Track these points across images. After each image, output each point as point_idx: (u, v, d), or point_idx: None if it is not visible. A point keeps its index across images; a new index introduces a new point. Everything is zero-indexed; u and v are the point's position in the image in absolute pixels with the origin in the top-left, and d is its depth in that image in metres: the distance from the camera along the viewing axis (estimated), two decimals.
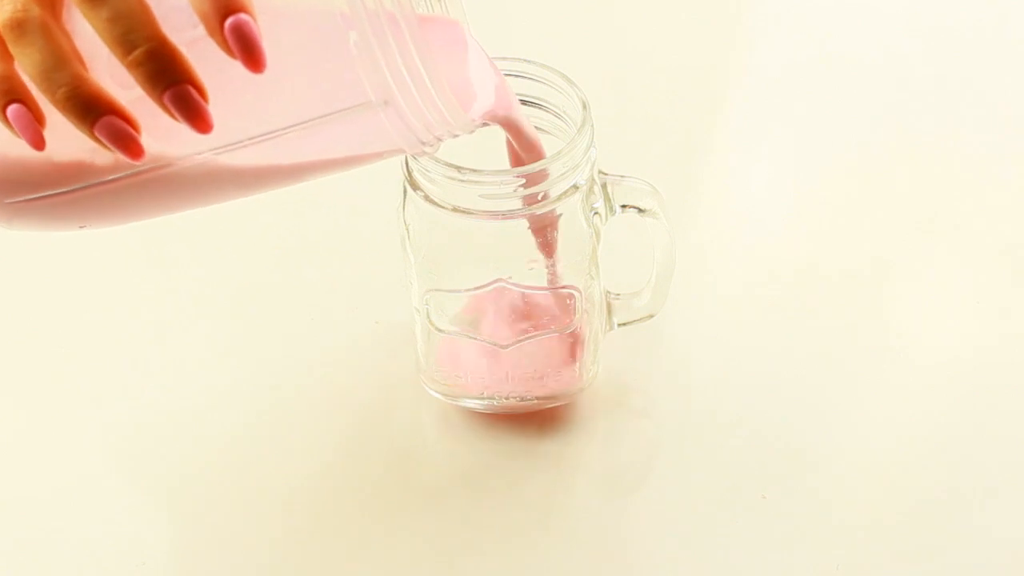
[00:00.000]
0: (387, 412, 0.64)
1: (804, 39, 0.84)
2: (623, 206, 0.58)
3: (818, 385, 0.64)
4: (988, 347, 0.66)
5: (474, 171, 0.54)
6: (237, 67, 0.45)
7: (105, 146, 0.45)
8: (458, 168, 0.54)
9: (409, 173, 0.56)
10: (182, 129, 0.45)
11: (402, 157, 0.55)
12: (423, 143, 0.49)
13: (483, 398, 0.62)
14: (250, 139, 0.48)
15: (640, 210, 0.58)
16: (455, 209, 0.55)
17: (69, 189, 0.49)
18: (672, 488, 0.61)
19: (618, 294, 0.63)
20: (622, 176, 0.58)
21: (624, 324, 0.63)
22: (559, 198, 0.55)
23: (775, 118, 0.78)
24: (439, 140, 0.50)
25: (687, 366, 0.65)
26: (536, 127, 0.58)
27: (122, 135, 0.45)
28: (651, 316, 0.63)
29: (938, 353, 0.66)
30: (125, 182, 0.48)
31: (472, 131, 0.51)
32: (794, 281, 0.69)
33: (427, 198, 0.55)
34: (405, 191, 0.57)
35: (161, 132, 0.46)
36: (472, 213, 0.55)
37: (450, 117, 0.48)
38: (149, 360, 0.66)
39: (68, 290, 0.70)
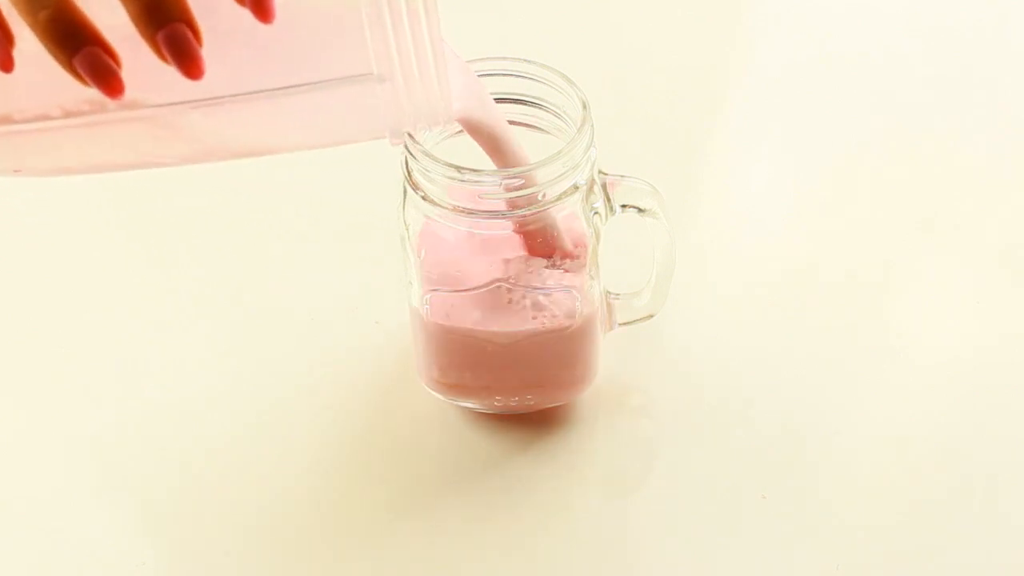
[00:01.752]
0: (387, 412, 0.63)
1: (804, 39, 0.83)
2: (623, 206, 0.58)
3: (818, 385, 0.64)
4: (988, 347, 0.66)
5: (474, 171, 0.54)
6: (239, 16, 0.42)
7: (81, 79, 0.42)
8: (458, 168, 0.54)
9: (409, 173, 0.55)
10: (163, 74, 0.42)
11: (402, 157, 0.55)
12: (401, 132, 0.48)
13: (483, 398, 0.62)
14: (232, 96, 0.45)
15: (640, 210, 0.58)
16: (455, 209, 0.55)
17: (21, 123, 0.45)
18: (672, 488, 0.61)
19: (618, 294, 0.63)
20: (622, 176, 0.58)
21: (624, 324, 0.63)
22: (559, 198, 0.55)
23: (775, 118, 0.78)
24: (418, 130, 0.48)
25: (687, 366, 0.65)
26: (536, 127, 0.58)
27: (103, 69, 0.42)
28: (651, 316, 0.63)
29: (938, 353, 0.66)
30: (84, 124, 0.45)
31: (445, 126, 0.50)
32: (794, 281, 0.69)
33: (427, 198, 0.55)
34: (405, 191, 0.57)
35: (139, 75, 0.43)
36: (472, 213, 0.55)
37: (441, 107, 0.47)
38: (149, 360, 0.66)
39: (68, 290, 0.70)
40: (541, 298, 0.59)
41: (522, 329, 0.59)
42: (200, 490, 0.61)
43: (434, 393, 0.63)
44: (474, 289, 0.58)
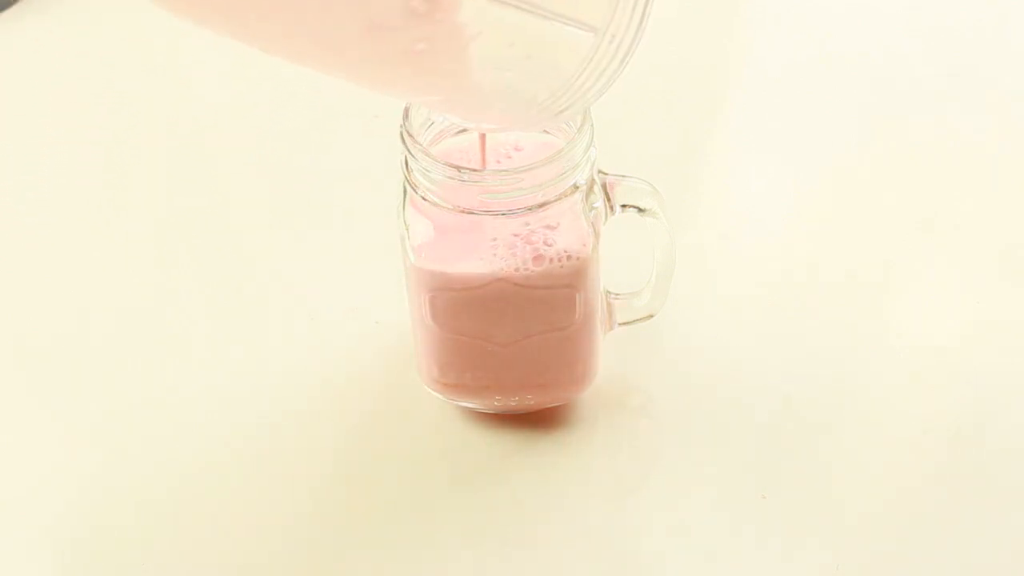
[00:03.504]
0: (387, 412, 0.63)
1: (804, 39, 0.84)
2: (623, 206, 0.58)
3: (818, 385, 0.64)
4: (988, 347, 0.66)
5: (474, 171, 0.54)
6: None
7: None
8: (458, 168, 0.54)
9: (409, 173, 0.56)
10: None
11: (402, 157, 0.55)
12: (548, 112, 0.49)
13: (483, 398, 0.62)
14: None
15: (640, 210, 0.58)
16: (455, 209, 0.55)
17: None
18: (672, 488, 0.61)
19: (618, 294, 0.63)
20: (622, 176, 0.58)
21: (624, 324, 0.63)
22: (559, 198, 0.55)
23: (775, 118, 0.78)
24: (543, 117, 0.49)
25: (687, 366, 0.65)
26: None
27: None
28: (651, 316, 0.63)
29: (938, 353, 0.66)
30: None
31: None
32: (794, 281, 0.69)
33: (427, 198, 0.55)
34: (405, 191, 0.57)
35: None
36: (472, 213, 0.55)
37: (608, 84, 0.48)
38: (148, 360, 0.66)
39: (67, 292, 0.70)
40: (541, 298, 0.59)
41: (522, 329, 0.59)
42: (199, 490, 0.61)
43: (434, 393, 0.63)
44: (474, 288, 0.58)
